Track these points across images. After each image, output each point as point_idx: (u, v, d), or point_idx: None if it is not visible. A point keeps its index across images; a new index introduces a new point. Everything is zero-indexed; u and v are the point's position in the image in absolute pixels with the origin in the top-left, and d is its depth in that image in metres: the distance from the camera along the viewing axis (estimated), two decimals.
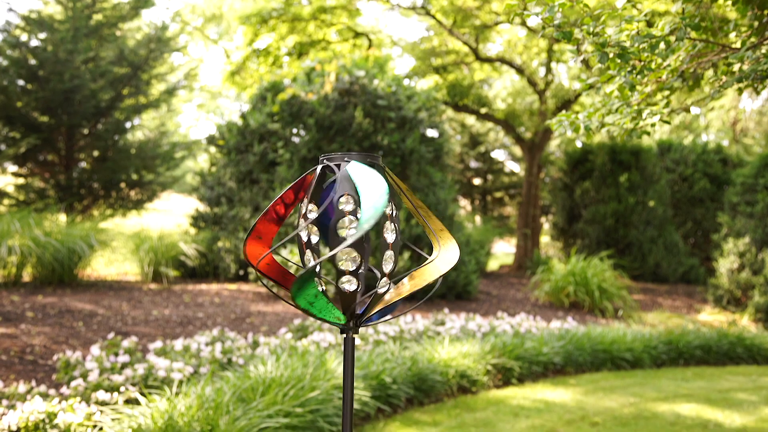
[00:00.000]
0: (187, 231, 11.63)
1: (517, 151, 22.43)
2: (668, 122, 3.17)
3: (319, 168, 1.70)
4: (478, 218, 21.99)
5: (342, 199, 1.60)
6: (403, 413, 5.32)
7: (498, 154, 23.42)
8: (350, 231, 1.59)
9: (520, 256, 16.16)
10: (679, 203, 16.18)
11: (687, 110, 3.41)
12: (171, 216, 19.43)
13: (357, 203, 1.59)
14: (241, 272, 10.48)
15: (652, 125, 3.28)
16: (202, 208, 11.54)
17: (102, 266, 10.92)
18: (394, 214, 1.68)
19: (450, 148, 11.21)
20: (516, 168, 23.65)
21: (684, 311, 11.56)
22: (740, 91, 3.27)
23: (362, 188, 1.52)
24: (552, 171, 19.89)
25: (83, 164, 13.27)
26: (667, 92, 3.38)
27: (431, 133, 10.78)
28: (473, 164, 22.75)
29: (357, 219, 1.59)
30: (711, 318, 10.92)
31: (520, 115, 16.47)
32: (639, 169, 15.20)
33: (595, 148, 15.58)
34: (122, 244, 10.47)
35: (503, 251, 23.67)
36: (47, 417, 3.91)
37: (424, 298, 1.82)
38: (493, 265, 17.69)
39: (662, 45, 2.97)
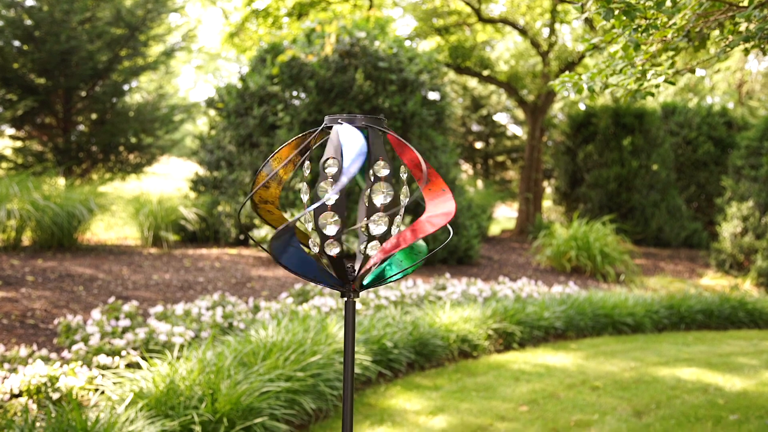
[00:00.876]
0: (187, 195, 11.62)
1: (520, 114, 22.31)
2: (673, 83, 3.14)
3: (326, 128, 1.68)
4: (479, 182, 21.96)
5: (328, 162, 1.59)
6: (404, 378, 5.36)
7: (500, 118, 23.31)
8: (330, 194, 1.58)
9: (522, 221, 16.17)
10: (682, 167, 16.13)
11: (692, 71, 3.38)
12: (170, 180, 19.41)
13: (341, 166, 1.58)
14: (242, 237, 10.49)
15: (657, 86, 3.25)
16: (202, 171, 11.52)
17: (101, 230, 10.93)
18: (387, 176, 1.64)
19: (452, 111, 11.14)
20: (518, 131, 23.56)
21: (686, 276, 11.60)
22: (747, 51, 3.23)
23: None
24: (555, 134, 19.81)
25: (81, 127, 13.21)
26: (672, 52, 3.34)
27: (433, 95, 10.71)
28: (475, 128, 22.64)
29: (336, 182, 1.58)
30: (713, 282, 10.96)
31: (523, 78, 16.36)
32: (642, 132, 15.13)
33: (599, 111, 15.49)
34: (122, 208, 10.47)
35: (505, 216, 23.68)
36: (49, 380, 3.93)
37: (426, 256, 1.82)
38: (494, 229, 17.71)
39: (668, 2, 2.93)
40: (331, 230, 1.57)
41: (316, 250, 1.66)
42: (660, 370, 5.78)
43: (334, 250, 1.59)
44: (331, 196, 1.45)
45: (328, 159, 1.59)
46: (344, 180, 1.42)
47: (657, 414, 4.60)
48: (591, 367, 5.83)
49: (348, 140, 1.55)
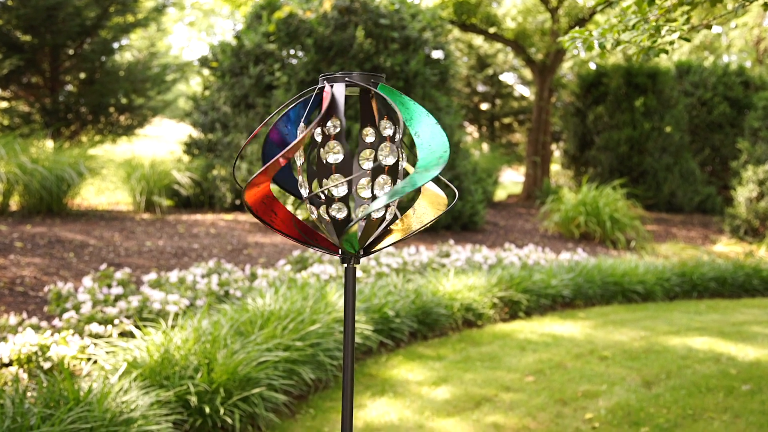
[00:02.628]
0: (180, 158, 11.59)
1: (528, 74, 22.15)
2: (688, 40, 3.10)
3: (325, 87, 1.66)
4: (485, 145, 21.88)
5: (329, 124, 1.57)
6: (407, 347, 5.39)
7: (507, 78, 23.15)
8: (335, 156, 1.57)
9: (529, 185, 16.14)
10: (696, 129, 16.06)
11: (708, 27, 3.34)
12: (163, 143, 19.35)
13: (342, 127, 1.56)
14: (238, 202, 10.49)
15: (671, 43, 3.22)
16: (196, 134, 11.48)
17: (92, 195, 10.93)
18: (393, 135, 1.63)
19: (456, 70, 11.06)
20: (526, 92, 23.41)
21: (699, 242, 11.61)
22: (765, 6, 3.20)
23: (420, 133, 1.53)
24: (564, 95, 19.69)
25: (69, 87, 13.13)
26: (687, 7, 3.30)
27: (436, 54, 10.62)
28: (480, 88, 22.50)
29: (340, 143, 1.57)
30: (727, 249, 10.97)
31: (531, 35, 16.21)
32: (655, 92, 15.04)
33: (610, 71, 15.38)
34: (113, 172, 10.44)
35: (511, 180, 23.65)
36: (40, 349, 3.96)
37: (427, 224, 1.81)
38: (500, 194, 17.70)
39: None
40: (338, 192, 1.57)
41: (315, 215, 1.65)
42: (671, 339, 5.82)
43: (340, 214, 1.59)
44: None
45: (330, 118, 1.57)
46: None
47: (667, 384, 4.63)
48: (599, 336, 5.86)
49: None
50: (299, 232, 1.67)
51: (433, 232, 9.89)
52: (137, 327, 4.60)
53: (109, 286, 5.39)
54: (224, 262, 6.54)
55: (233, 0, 15.42)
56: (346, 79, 1.61)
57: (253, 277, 6.18)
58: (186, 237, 8.20)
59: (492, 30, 15.84)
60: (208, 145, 10.98)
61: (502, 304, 6.45)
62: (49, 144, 11.02)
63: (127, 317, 4.83)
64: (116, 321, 4.66)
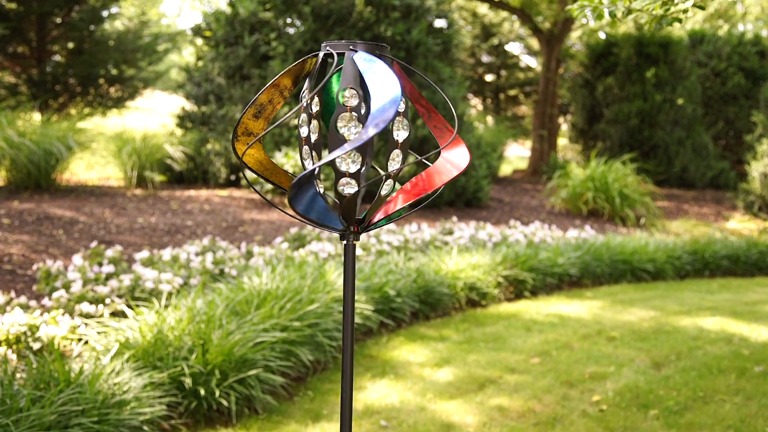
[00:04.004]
0: (173, 132, 11.56)
1: (534, 43, 22.03)
2: (702, 7, 3.08)
3: (321, 55, 1.64)
4: (490, 118, 21.81)
5: (346, 93, 1.55)
6: (408, 328, 5.41)
7: (513, 48, 23.04)
8: (350, 128, 1.56)
9: (536, 160, 16.12)
10: (710, 101, 16.00)
11: None
12: (155, 116, 19.29)
13: (362, 98, 1.55)
14: (233, 177, 10.47)
15: (685, 11, 3.19)
16: (189, 106, 11.44)
17: (81, 170, 10.91)
18: (404, 110, 1.64)
19: (460, 40, 11.01)
20: (532, 63, 23.31)
21: (711, 219, 11.61)
22: None
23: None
24: (572, 66, 19.60)
25: (57, 57, 13.08)
26: None
27: (439, 23, 10.57)
28: (485, 59, 22.39)
29: (359, 115, 1.56)
30: (740, 226, 10.97)
31: (538, 3, 16.09)
32: (667, 63, 14.96)
33: (620, 40, 15.30)
34: (103, 146, 10.42)
35: (517, 155, 23.60)
36: (29, 329, 3.97)
37: (426, 201, 1.81)
38: (505, 169, 17.67)
39: None
40: (349, 167, 1.57)
41: (320, 189, 1.64)
42: (681, 319, 5.83)
43: (350, 189, 1.58)
44: (356, 144, 1.42)
45: (347, 89, 1.55)
46: (372, 132, 1.40)
47: (677, 366, 4.65)
48: (607, 316, 5.88)
49: (378, 79, 1.50)
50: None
51: (435, 209, 9.89)
52: (129, 306, 4.61)
53: (100, 265, 5.39)
54: (219, 240, 6.54)
55: None
56: (350, 47, 1.59)
57: (249, 255, 6.19)
58: (179, 213, 8.20)
59: None
60: (202, 118, 10.94)
61: (506, 283, 6.46)
62: (37, 117, 10.99)
63: (119, 296, 4.84)
64: (107, 300, 4.67)
